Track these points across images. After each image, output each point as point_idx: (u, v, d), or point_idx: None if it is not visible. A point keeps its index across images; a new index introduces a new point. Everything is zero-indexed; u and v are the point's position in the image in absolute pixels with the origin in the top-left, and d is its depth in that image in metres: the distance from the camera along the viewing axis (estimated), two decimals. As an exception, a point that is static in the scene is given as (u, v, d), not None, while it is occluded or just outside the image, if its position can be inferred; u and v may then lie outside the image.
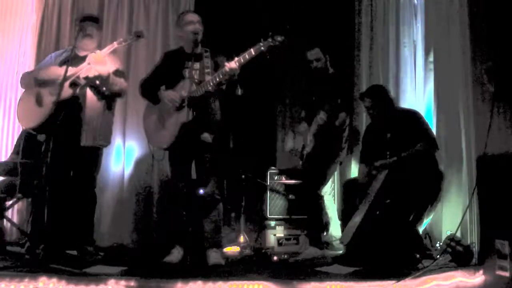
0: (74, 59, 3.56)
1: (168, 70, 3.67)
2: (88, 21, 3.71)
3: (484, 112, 3.28)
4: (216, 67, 3.60)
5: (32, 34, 4.86)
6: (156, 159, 3.84)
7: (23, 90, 3.75)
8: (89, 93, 3.57)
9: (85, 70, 3.54)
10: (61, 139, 3.47)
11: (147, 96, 3.73)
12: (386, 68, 4.84)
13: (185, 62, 3.64)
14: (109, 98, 3.67)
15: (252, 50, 3.35)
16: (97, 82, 3.55)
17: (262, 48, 3.32)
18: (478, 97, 3.40)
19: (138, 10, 4.98)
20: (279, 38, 3.31)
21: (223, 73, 3.42)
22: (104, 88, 3.57)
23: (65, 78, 3.31)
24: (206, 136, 3.59)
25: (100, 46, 3.79)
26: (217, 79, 3.46)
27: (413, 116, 3.87)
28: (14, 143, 4.48)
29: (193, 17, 3.68)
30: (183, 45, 3.72)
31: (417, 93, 4.55)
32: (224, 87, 3.59)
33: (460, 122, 3.73)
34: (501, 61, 3.20)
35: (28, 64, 4.76)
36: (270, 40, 3.32)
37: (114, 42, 3.59)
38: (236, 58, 3.39)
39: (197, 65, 3.64)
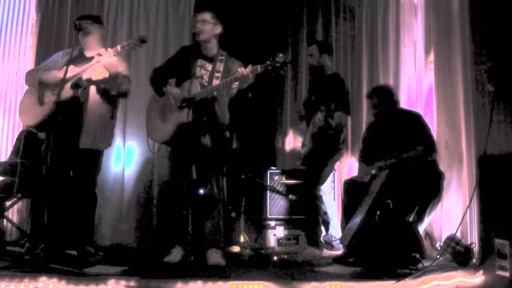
0: (79, 59, 3.56)
1: (180, 64, 3.64)
2: (86, 19, 3.70)
3: (484, 112, 3.28)
4: (228, 72, 3.57)
5: (32, 34, 4.87)
6: (151, 151, 3.82)
7: (27, 87, 3.75)
8: (91, 95, 3.56)
9: (88, 72, 3.52)
10: (61, 140, 3.46)
11: (154, 87, 3.72)
12: (386, 68, 4.84)
13: (198, 60, 3.63)
14: (114, 98, 3.65)
15: (258, 67, 3.34)
16: (102, 85, 3.53)
17: (269, 68, 3.31)
18: (478, 97, 3.40)
19: (138, 10, 4.99)
20: (282, 60, 3.28)
21: (231, 80, 3.41)
22: (110, 87, 3.55)
23: (64, 79, 3.29)
24: (206, 140, 3.59)
25: (102, 44, 3.77)
26: (223, 86, 3.44)
27: (415, 118, 3.87)
28: (14, 143, 4.48)
29: (199, 17, 3.65)
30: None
31: (417, 93, 4.55)
32: (234, 91, 3.56)
33: (460, 122, 3.73)
34: (501, 61, 3.20)
35: (28, 64, 4.77)
36: (276, 60, 3.29)
37: (118, 46, 3.54)
38: (248, 69, 3.36)
39: (209, 67, 3.64)
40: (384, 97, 3.93)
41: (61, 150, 3.44)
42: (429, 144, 3.71)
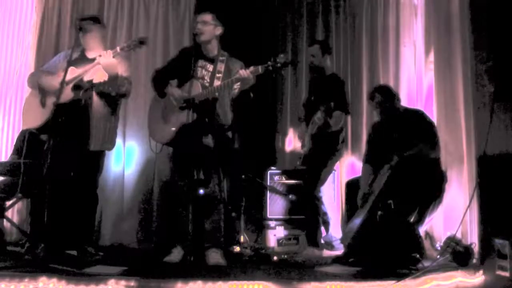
0: (81, 60, 3.55)
1: (181, 65, 3.65)
2: (87, 20, 3.70)
3: (484, 112, 3.28)
4: (229, 73, 3.58)
5: (32, 34, 4.86)
6: (153, 151, 3.82)
7: (30, 89, 3.74)
8: (95, 97, 3.55)
9: (90, 73, 3.52)
10: (63, 141, 3.46)
11: (155, 88, 3.73)
12: (386, 68, 4.84)
13: (199, 61, 3.64)
14: (115, 100, 3.65)
15: (259, 68, 3.35)
16: (101, 88, 3.52)
17: (270, 68, 3.32)
18: (478, 97, 3.40)
19: (138, 10, 4.99)
20: (282, 60, 3.29)
21: (232, 81, 3.42)
22: (110, 89, 3.54)
23: (64, 80, 3.27)
24: (208, 141, 3.59)
25: (103, 44, 3.76)
26: (224, 86, 3.45)
27: (417, 116, 3.86)
28: (14, 143, 4.48)
29: (199, 18, 3.66)
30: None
31: (417, 93, 4.55)
32: (235, 91, 3.57)
33: (460, 122, 3.73)
34: (501, 61, 3.20)
35: (28, 64, 4.77)
36: (277, 61, 3.29)
37: (117, 47, 3.54)
38: (248, 70, 3.37)
39: (210, 67, 3.65)
40: (386, 93, 3.93)
41: (61, 151, 3.44)
42: (432, 141, 3.69)
